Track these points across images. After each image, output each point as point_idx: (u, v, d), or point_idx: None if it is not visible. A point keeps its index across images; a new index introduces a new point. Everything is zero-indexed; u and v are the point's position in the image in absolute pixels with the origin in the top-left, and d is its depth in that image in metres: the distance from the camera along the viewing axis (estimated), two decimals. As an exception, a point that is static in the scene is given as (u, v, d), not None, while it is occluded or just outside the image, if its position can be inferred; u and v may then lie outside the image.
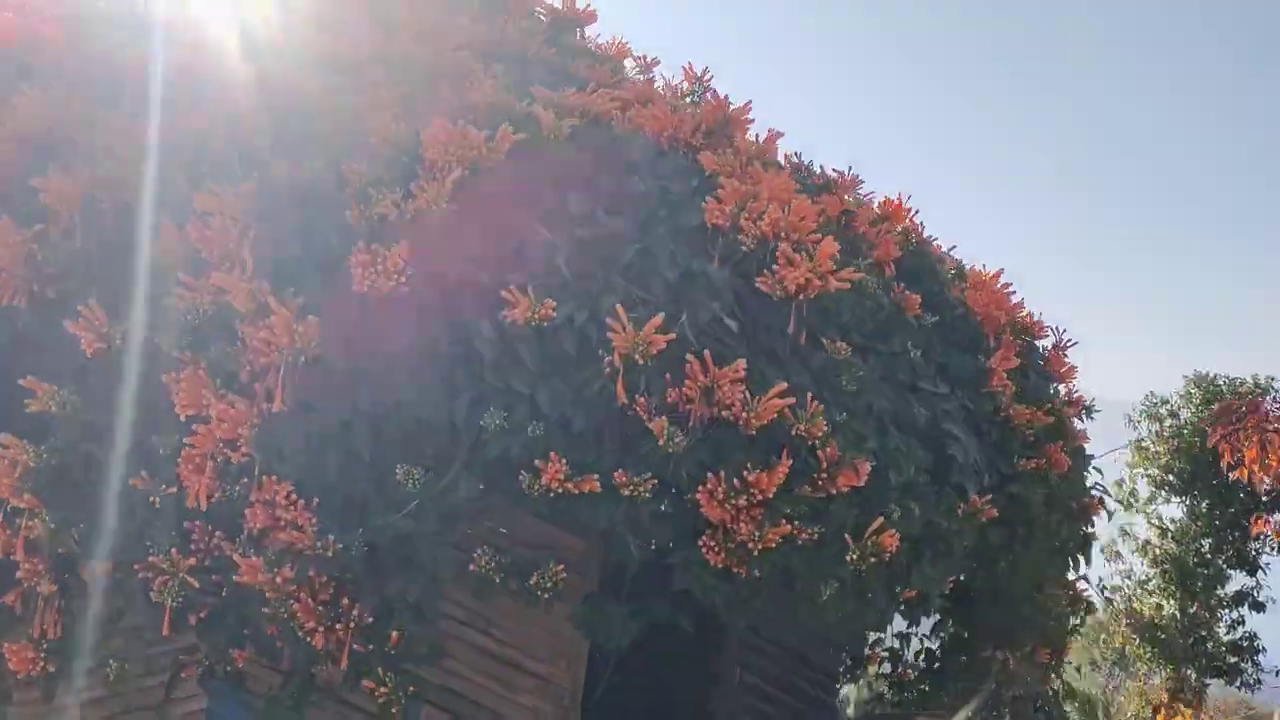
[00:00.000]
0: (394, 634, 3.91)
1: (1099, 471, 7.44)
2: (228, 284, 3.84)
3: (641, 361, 4.15)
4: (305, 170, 4.28)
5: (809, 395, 4.39)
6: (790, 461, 4.24)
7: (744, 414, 4.24)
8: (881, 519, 4.40)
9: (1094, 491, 7.39)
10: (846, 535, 4.34)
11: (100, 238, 4.28)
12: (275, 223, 4.15)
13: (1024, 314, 7.10)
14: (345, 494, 4.07)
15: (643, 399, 4.18)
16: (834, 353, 4.62)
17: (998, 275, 6.95)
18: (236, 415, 3.80)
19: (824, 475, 4.37)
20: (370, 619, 3.95)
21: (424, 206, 4.26)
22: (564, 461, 4.07)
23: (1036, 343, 7.45)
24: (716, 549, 4.24)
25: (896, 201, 6.25)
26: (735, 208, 4.68)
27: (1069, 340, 7.38)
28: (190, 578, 3.85)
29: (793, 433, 4.35)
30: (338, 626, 3.91)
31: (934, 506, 4.86)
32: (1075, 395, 7.25)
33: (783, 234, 4.58)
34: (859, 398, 4.71)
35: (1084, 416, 7.34)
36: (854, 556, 4.30)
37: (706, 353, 4.28)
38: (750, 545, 4.16)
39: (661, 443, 4.11)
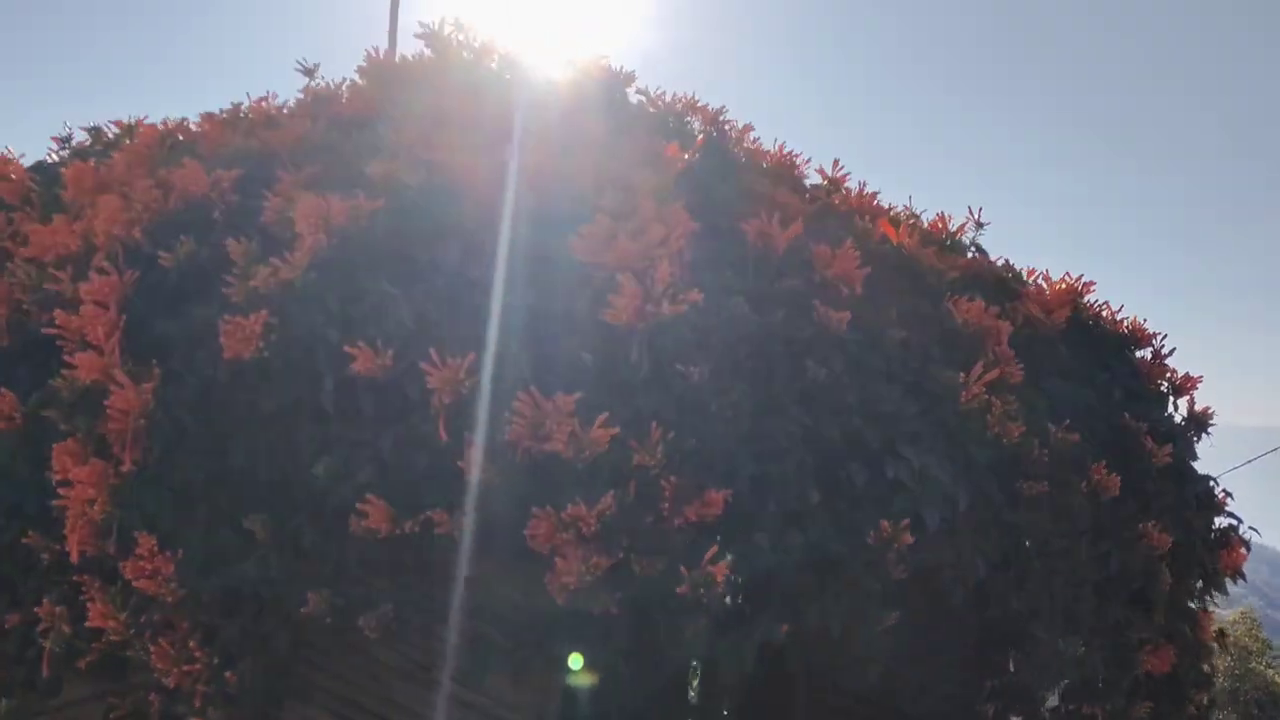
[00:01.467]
0: (229, 675, 4.17)
1: (1229, 495, 6.54)
2: (80, 361, 4.34)
3: (455, 400, 4.24)
4: (185, 255, 4.76)
5: (654, 424, 4.28)
6: (614, 493, 4.14)
7: (569, 447, 4.20)
8: (715, 548, 4.16)
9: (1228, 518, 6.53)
10: (682, 567, 4.14)
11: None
12: (152, 303, 4.65)
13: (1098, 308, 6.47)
14: (210, 544, 4.42)
15: (468, 436, 4.25)
16: (687, 378, 4.45)
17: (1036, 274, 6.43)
18: (88, 475, 4.25)
19: (667, 505, 4.23)
20: (217, 660, 4.23)
21: (285, 276, 4.59)
22: (386, 503, 4.21)
23: (1131, 351, 6.72)
24: (552, 584, 4.18)
25: (868, 195, 5.94)
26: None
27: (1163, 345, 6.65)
28: (65, 626, 4.31)
29: (634, 463, 4.25)
30: (187, 668, 4.22)
31: (833, 535, 4.52)
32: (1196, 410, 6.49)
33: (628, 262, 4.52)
34: (735, 424, 4.50)
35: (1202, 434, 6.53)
36: (685, 588, 4.09)
37: (533, 388, 4.29)
38: (568, 580, 4.07)
39: (471, 479, 4.16)
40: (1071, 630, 5.29)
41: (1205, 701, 6.23)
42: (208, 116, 6.10)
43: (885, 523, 4.57)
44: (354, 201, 4.67)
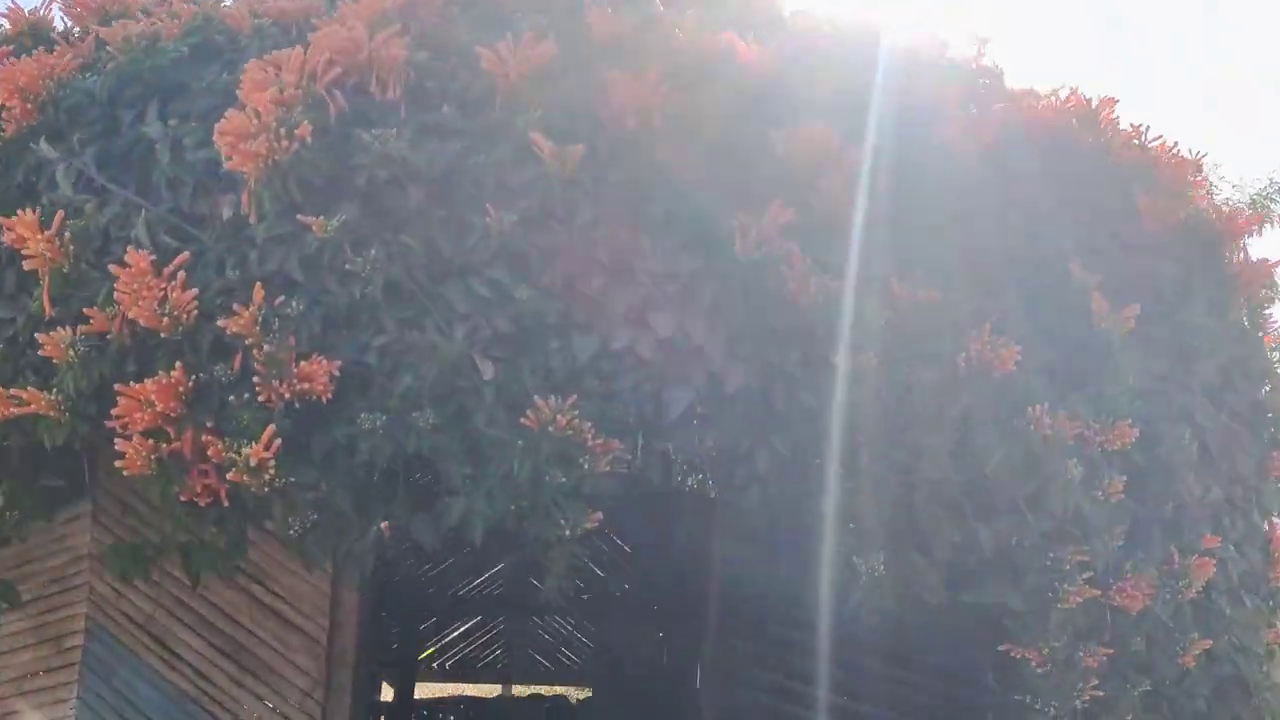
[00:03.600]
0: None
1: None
2: None
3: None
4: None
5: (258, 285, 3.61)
6: (178, 365, 3.52)
7: (161, 317, 3.62)
8: (273, 427, 3.44)
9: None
10: (254, 446, 3.45)
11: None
12: None
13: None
14: None
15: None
16: (319, 230, 3.70)
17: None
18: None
19: (260, 380, 3.56)
20: None
21: None
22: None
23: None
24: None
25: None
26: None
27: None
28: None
29: (229, 333, 3.61)
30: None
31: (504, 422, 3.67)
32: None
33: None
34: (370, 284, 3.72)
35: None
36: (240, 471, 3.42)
37: (136, 251, 3.73)
38: (135, 461, 3.53)
39: (57, 360, 3.68)
40: (920, 550, 4.10)
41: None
42: None
43: (542, 401, 3.63)
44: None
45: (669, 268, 4.11)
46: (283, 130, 3.63)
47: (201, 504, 3.65)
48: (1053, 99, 5.04)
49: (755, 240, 4.02)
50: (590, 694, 11.99)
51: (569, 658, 13.06)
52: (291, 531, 3.66)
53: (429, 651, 12.36)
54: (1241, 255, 5.01)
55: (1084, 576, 4.36)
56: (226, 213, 3.89)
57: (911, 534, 4.04)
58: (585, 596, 11.58)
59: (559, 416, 3.60)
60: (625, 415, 3.91)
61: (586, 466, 3.72)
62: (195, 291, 3.64)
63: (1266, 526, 5.36)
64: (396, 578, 10.30)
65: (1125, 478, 4.37)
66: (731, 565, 5.63)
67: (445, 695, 12.06)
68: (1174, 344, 4.68)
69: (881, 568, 3.89)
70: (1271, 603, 5.47)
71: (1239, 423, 4.82)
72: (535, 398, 3.63)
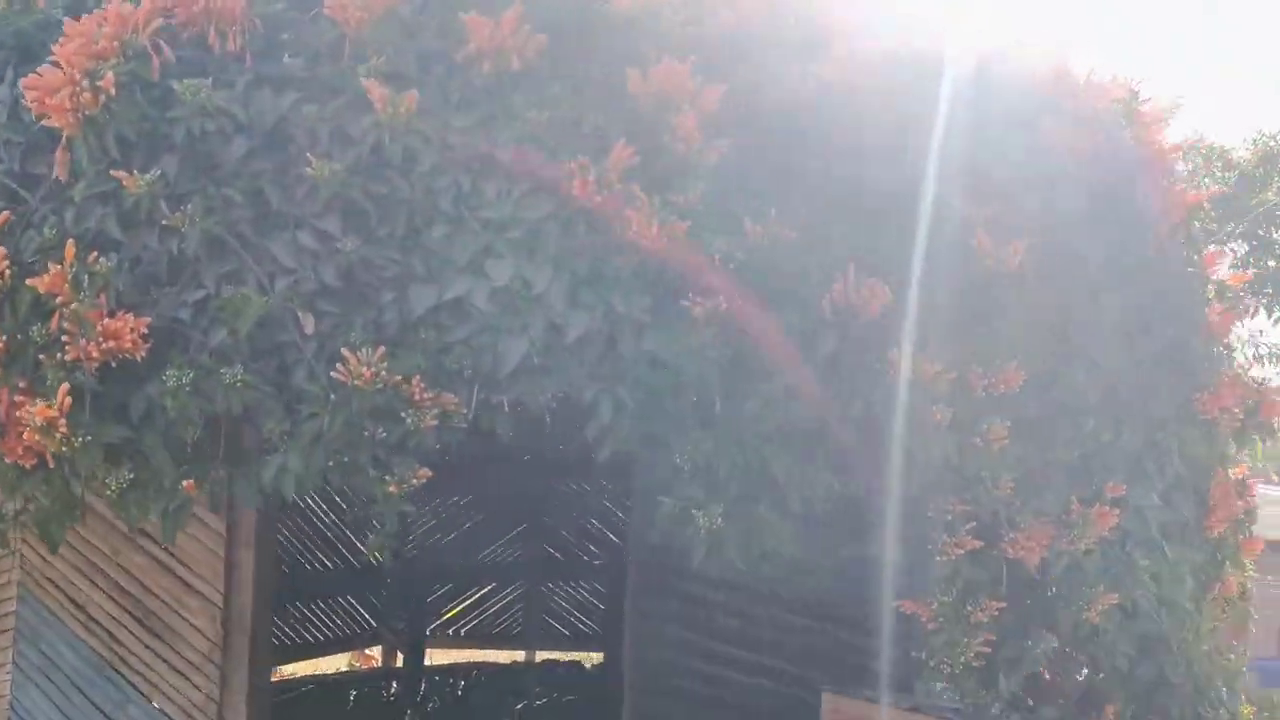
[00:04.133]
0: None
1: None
2: None
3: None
4: None
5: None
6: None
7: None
8: (66, 385, 3.39)
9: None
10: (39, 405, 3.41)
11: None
12: None
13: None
14: None
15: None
16: (131, 186, 3.63)
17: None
18: None
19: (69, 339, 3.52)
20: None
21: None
22: None
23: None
24: None
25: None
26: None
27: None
28: None
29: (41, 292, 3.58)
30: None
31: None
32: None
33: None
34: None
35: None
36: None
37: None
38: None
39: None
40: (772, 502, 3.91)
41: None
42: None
43: (350, 353, 3.53)
44: None
45: (514, 214, 3.98)
46: (85, 83, 3.56)
47: (26, 466, 3.63)
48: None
49: (595, 183, 3.86)
50: (602, 659, 11.99)
51: (585, 623, 13.05)
52: (109, 491, 3.62)
53: (452, 613, 12.40)
54: (1166, 186, 4.70)
55: (966, 528, 4.15)
56: (57, 172, 3.84)
57: (762, 485, 3.85)
58: (596, 562, 11.58)
59: (365, 369, 3.49)
60: (461, 368, 3.79)
61: (411, 422, 3.61)
62: (3, 251, 3.60)
63: (1221, 474, 5.08)
64: (409, 544, 10.40)
65: (1009, 423, 4.14)
66: (643, 524, 5.50)
67: (460, 661, 12.14)
68: (1076, 281, 4.41)
69: (720, 521, 3.71)
70: (1219, 554, 5.19)
71: (1156, 363, 4.52)
72: (343, 350, 3.53)
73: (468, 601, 12.71)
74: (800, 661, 5.45)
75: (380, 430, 3.57)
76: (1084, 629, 4.43)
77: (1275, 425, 4.98)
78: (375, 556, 3.78)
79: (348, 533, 9.84)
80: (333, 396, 3.54)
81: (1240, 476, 5.49)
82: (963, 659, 4.20)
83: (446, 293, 3.82)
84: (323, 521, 9.87)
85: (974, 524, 4.14)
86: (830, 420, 3.94)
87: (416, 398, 3.65)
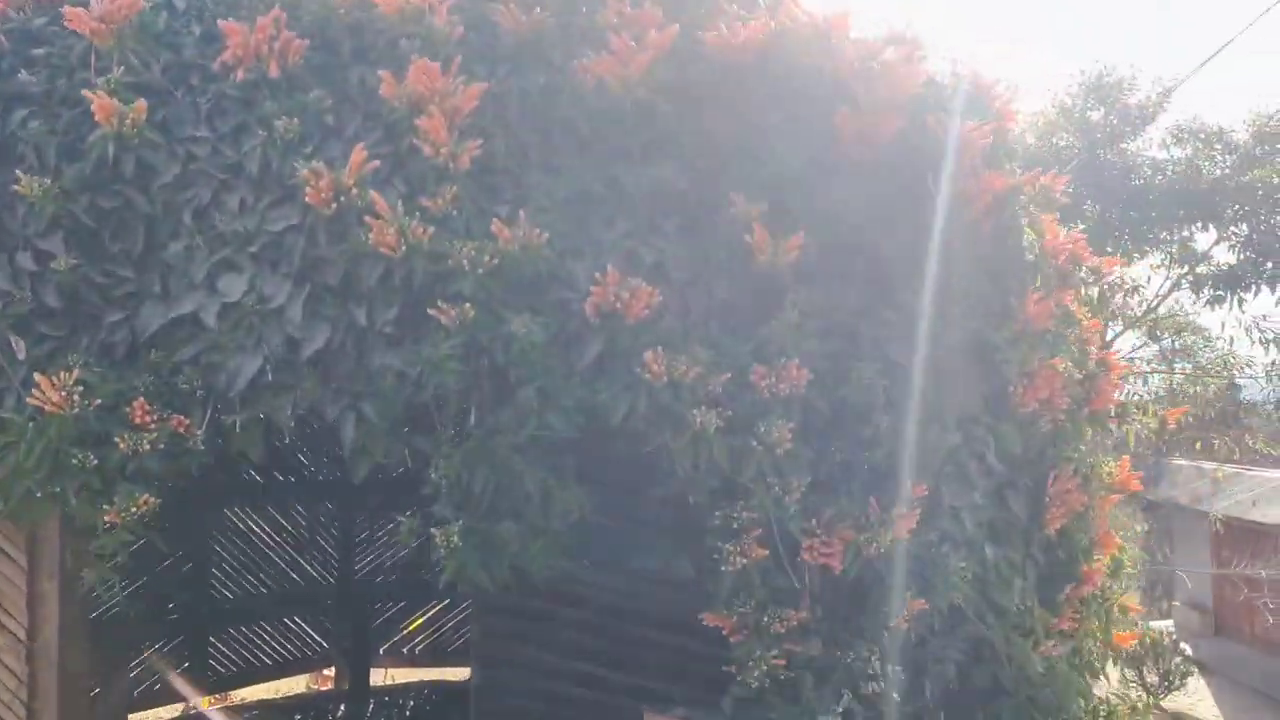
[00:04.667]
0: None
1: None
2: None
3: None
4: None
5: None
6: None
7: None
8: None
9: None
10: None
11: None
12: None
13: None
14: None
15: None
16: None
17: None
18: None
19: None
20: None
21: None
22: None
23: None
24: None
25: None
26: None
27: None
28: None
29: None
30: None
31: None
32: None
33: None
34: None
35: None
36: None
37: None
38: None
39: None
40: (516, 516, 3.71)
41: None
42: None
43: (44, 379, 3.38)
44: None
45: (260, 225, 3.82)
46: None
47: None
48: (771, 23, 4.54)
49: (329, 189, 3.70)
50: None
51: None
52: None
53: (409, 630, 12.23)
54: (973, 170, 4.46)
55: (753, 535, 3.94)
56: None
57: (515, 500, 3.67)
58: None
59: (55, 393, 3.34)
60: (193, 387, 3.64)
61: (128, 446, 3.46)
62: None
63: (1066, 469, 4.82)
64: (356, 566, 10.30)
65: (794, 424, 3.94)
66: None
67: (414, 681, 11.97)
68: (869, 275, 4.20)
69: (456, 539, 3.53)
70: (1063, 553, 4.93)
71: (961, 357, 4.29)
72: (35, 376, 3.38)
73: (419, 620, 12.58)
74: (652, 676, 5.25)
75: (91, 457, 3.41)
76: (898, 636, 4.21)
77: (1112, 415, 4.75)
78: (100, 589, 3.57)
79: (293, 554, 9.82)
80: (31, 424, 3.38)
81: (1121, 468, 5.24)
82: (760, 672, 4.00)
83: (173, 311, 3.66)
84: (266, 543, 9.79)
85: (759, 531, 3.93)
86: (591, 429, 3.76)
87: (138, 420, 3.50)
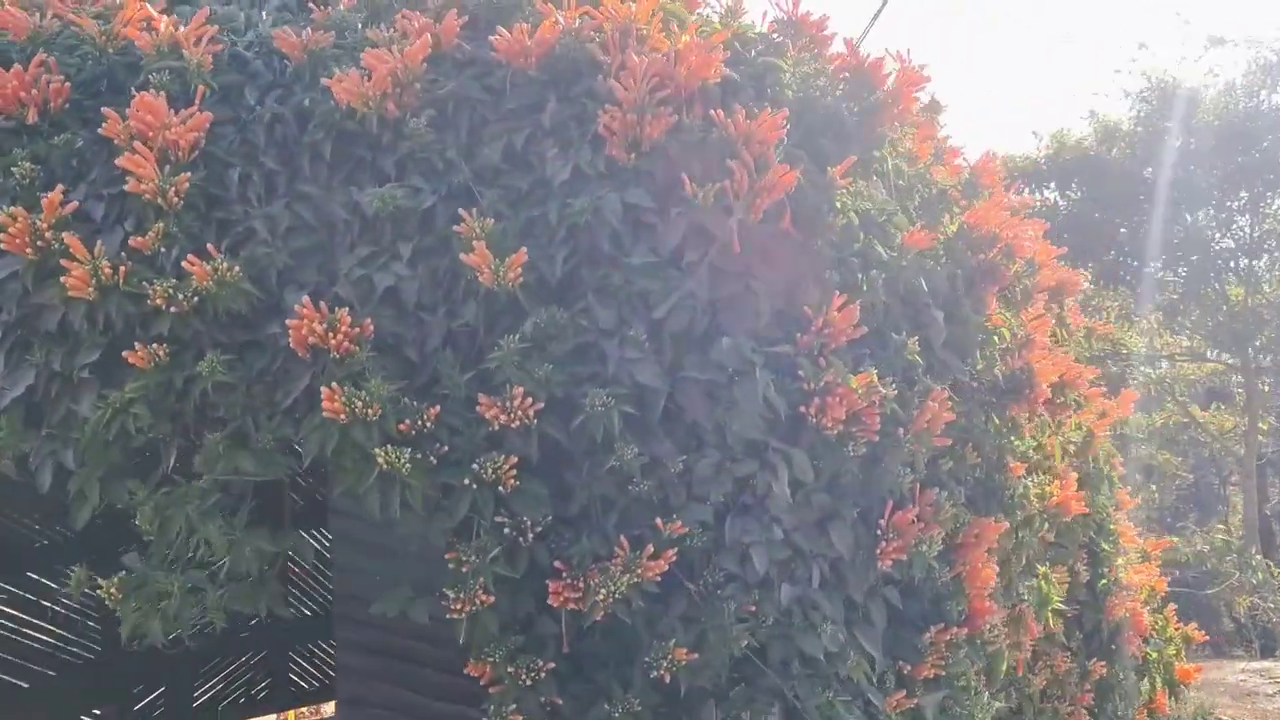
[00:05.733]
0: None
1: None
2: None
3: None
4: None
5: None
6: None
7: None
8: None
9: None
10: None
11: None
12: None
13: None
14: None
15: None
16: None
17: None
18: None
19: None
20: None
21: None
22: None
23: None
24: None
25: None
26: None
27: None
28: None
29: None
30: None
31: None
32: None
33: None
34: None
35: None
36: None
37: None
38: None
39: None
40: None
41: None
42: None
43: None
44: None
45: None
46: None
47: None
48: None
49: (23, 234, 3.67)
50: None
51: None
52: None
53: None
54: (752, 166, 3.97)
55: (478, 582, 3.65)
56: None
57: (189, 549, 3.53)
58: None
59: None
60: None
61: None
62: None
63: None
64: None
65: (520, 458, 3.63)
66: (341, 577, 5.20)
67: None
68: (621, 293, 3.83)
69: (115, 592, 3.41)
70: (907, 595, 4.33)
71: (744, 377, 3.82)
72: None
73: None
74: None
75: None
76: (654, 692, 3.78)
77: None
78: None
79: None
80: None
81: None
82: (502, 722, 3.70)
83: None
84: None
85: (481, 578, 3.64)
86: (284, 474, 3.58)
87: None
